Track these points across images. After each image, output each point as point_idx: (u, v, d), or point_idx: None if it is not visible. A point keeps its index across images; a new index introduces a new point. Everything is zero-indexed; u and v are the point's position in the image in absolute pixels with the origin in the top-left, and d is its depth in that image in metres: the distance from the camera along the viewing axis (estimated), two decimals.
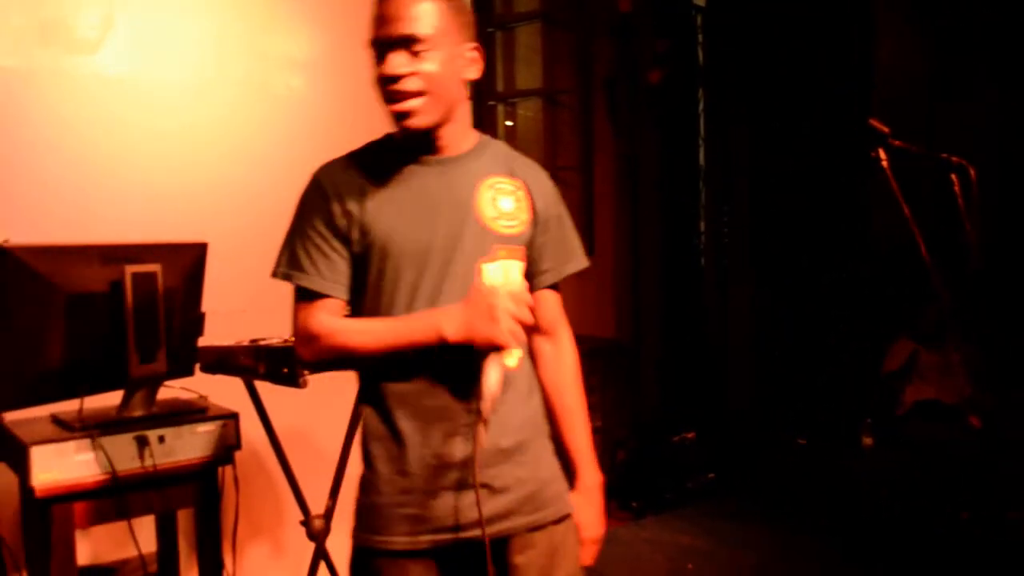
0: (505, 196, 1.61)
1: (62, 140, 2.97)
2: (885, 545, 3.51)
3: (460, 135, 1.61)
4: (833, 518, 3.83)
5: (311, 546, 2.70)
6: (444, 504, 1.52)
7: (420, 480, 1.52)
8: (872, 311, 4.75)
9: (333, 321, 1.56)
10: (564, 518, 1.64)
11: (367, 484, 1.58)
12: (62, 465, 2.03)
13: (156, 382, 2.24)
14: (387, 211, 1.54)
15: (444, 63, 1.51)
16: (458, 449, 1.52)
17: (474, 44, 1.58)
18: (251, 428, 2.54)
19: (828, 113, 5.01)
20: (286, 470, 2.70)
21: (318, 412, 2.92)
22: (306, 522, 2.68)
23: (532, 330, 1.62)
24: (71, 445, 2.05)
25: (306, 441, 3.12)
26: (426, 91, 1.50)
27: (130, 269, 2.12)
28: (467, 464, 1.50)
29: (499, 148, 1.70)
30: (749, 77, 5.28)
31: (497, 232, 1.58)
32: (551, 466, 1.66)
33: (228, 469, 2.40)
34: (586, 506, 1.73)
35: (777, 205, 5.19)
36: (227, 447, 2.30)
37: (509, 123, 5.22)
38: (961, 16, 4.64)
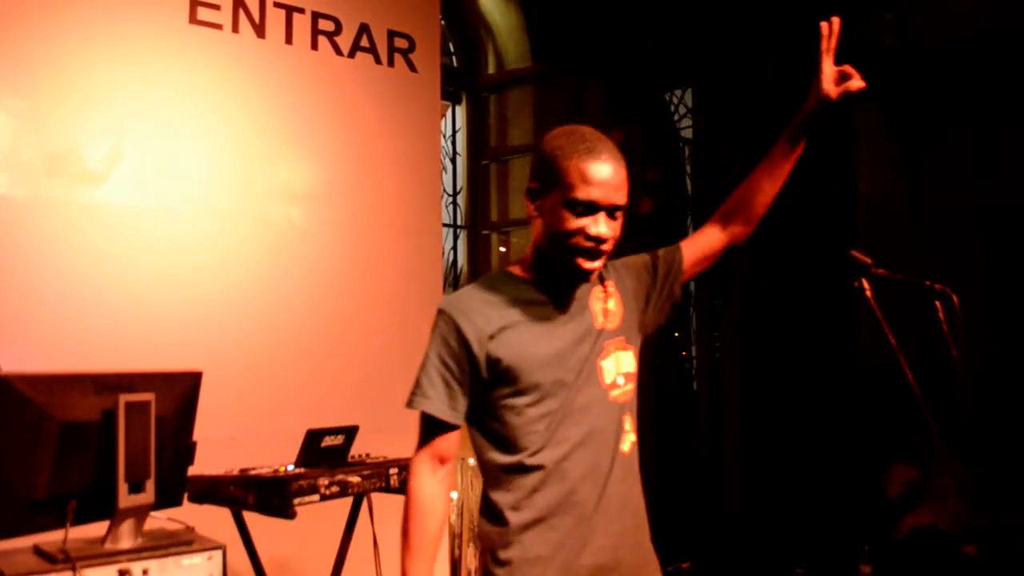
0: (607, 299, 1.85)
1: (62, 268, 3.03)
2: None
3: None
4: None
5: None
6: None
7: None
8: (863, 435, 4.74)
9: (423, 487, 1.71)
10: None
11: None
12: None
13: (143, 513, 2.21)
14: (520, 338, 1.71)
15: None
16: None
17: None
18: (238, 560, 2.50)
19: (813, 239, 5.12)
20: None
21: (307, 543, 2.88)
22: None
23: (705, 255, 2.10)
24: None
25: (294, 574, 3.06)
26: (608, 252, 1.76)
27: (124, 398, 2.12)
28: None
29: None
30: None
31: (605, 329, 1.81)
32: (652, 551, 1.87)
33: None
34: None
35: (766, 331, 5.24)
36: None
37: (502, 249, 5.33)
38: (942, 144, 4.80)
